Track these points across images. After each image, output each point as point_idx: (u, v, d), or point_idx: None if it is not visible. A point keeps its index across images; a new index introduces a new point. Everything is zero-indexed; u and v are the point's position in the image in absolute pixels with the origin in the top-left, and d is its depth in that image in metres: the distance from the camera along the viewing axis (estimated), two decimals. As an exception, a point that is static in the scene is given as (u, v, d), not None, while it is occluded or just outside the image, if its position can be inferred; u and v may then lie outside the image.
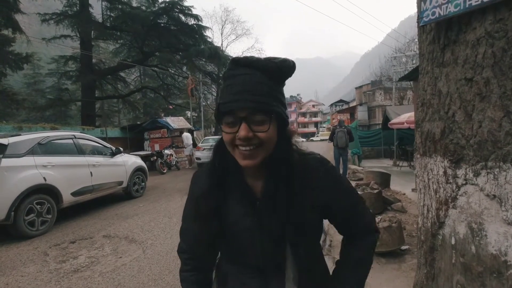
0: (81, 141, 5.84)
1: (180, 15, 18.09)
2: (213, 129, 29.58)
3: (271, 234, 0.73)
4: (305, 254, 0.76)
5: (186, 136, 13.77)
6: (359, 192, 4.88)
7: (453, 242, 1.22)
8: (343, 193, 0.82)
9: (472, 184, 1.13)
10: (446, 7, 1.16)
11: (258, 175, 0.76)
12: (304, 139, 48.08)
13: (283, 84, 0.75)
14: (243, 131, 0.65)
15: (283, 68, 0.70)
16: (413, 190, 6.32)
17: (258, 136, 0.67)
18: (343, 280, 0.83)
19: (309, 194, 0.75)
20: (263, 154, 0.69)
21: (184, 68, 21.19)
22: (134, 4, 18.17)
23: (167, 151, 12.35)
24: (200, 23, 18.64)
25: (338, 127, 8.29)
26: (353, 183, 6.46)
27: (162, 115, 24.67)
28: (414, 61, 21.29)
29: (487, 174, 1.08)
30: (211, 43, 20.26)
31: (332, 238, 3.51)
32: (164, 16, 17.84)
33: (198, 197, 0.80)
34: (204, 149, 12.58)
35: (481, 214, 1.10)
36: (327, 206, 0.79)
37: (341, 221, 0.86)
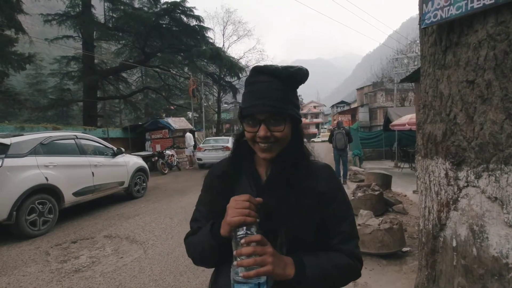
0: (83, 141, 5.86)
1: (182, 16, 18.12)
2: (214, 130, 29.60)
3: (269, 214, 0.77)
4: (291, 242, 0.78)
5: (189, 136, 13.82)
6: (360, 194, 4.86)
7: (454, 244, 1.22)
8: (340, 197, 0.87)
9: (474, 186, 1.13)
10: (448, 9, 1.16)
11: (267, 166, 0.87)
12: (305, 140, 47.87)
13: (296, 88, 0.86)
14: (262, 131, 0.78)
15: (298, 77, 0.82)
16: (414, 192, 6.31)
17: (275, 135, 0.79)
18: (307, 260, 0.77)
19: (311, 181, 0.83)
20: (279, 149, 0.82)
21: (186, 69, 21.21)
22: (136, 5, 18.22)
23: (168, 152, 12.37)
24: (201, 24, 18.70)
25: (336, 128, 8.28)
26: (354, 185, 6.47)
27: (164, 115, 24.73)
28: (415, 63, 21.27)
29: (489, 177, 1.08)
30: (212, 44, 20.30)
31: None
32: (166, 17, 17.88)
33: (217, 175, 0.91)
34: (206, 149, 12.59)
35: (483, 216, 1.10)
36: (325, 198, 0.84)
37: (330, 226, 0.84)
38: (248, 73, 0.89)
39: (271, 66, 0.81)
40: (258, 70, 0.82)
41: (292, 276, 0.71)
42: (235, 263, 0.67)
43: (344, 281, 0.83)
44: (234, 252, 0.67)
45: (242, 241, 0.67)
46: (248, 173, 0.88)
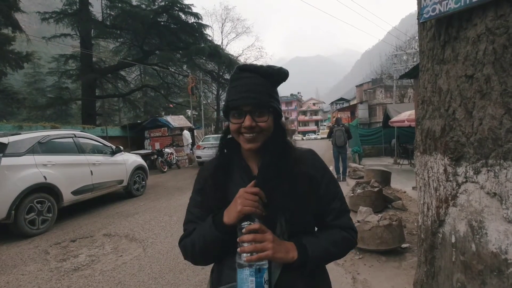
0: (82, 140, 5.84)
1: (180, 14, 18.02)
2: (213, 128, 29.58)
3: (265, 204, 0.81)
4: (291, 226, 0.84)
5: (187, 134, 13.80)
6: (359, 190, 4.87)
7: (453, 240, 1.22)
8: (328, 177, 0.95)
9: (473, 182, 1.12)
10: (447, 3, 1.15)
11: (256, 159, 0.91)
12: (304, 137, 48.08)
13: (277, 86, 0.93)
14: (247, 121, 0.83)
15: (280, 74, 0.90)
16: (413, 188, 6.32)
17: (259, 125, 0.84)
18: (309, 241, 0.85)
19: (300, 167, 0.89)
20: (262, 139, 0.87)
21: (185, 67, 21.13)
22: (134, 3, 18.10)
23: (167, 150, 12.36)
24: (200, 21, 18.59)
25: (336, 126, 8.28)
26: (354, 182, 6.47)
27: (163, 113, 24.66)
28: (415, 59, 21.24)
29: (488, 172, 1.07)
30: (211, 41, 20.23)
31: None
32: (164, 14, 17.79)
33: (208, 175, 0.94)
34: (205, 147, 12.58)
35: (482, 212, 1.09)
36: (315, 180, 0.91)
37: (323, 205, 0.92)
38: None
39: (255, 64, 0.89)
40: (242, 68, 0.88)
41: (296, 259, 0.79)
42: (238, 249, 0.74)
43: (343, 253, 0.93)
44: (238, 239, 0.75)
45: (243, 230, 0.75)
46: (239, 167, 0.92)
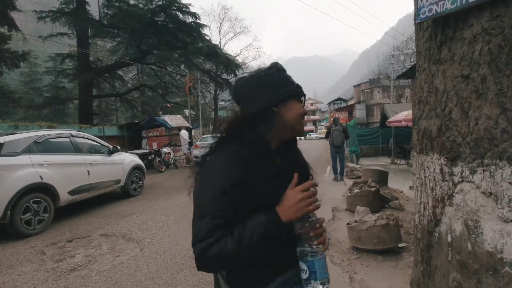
0: (78, 140, 5.81)
1: (178, 13, 17.95)
2: (211, 128, 29.52)
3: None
4: None
5: (184, 133, 13.78)
6: (356, 190, 4.89)
7: (449, 239, 1.22)
8: None
9: (468, 182, 1.13)
10: (443, 4, 1.15)
11: (276, 153, 0.95)
12: (302, 137, 48.20)
13: None
14: (306, 108, 0.98)
15: None
16: (410, 188, 6.34)
17: None
18: None
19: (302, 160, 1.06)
20: None
21: (182, 66, 21.06)
22: (132, 2, 18.01)
23: (165, 150, 12.31)
24: (198, 21, 18.52)
25: (333, 126, 8.32)
26: (351, 181, 6.49)
27: (160, 113, 24.59)
28: (412, 59, 21.34)
29: (483, 172, 1.07)
30: (209, 41, 20.17)
31: (330, 236, 3.52)
32: (162, 14, 17.71)
33: (247, 168, 0.83)
34: (202, 147, 12.56)
35: (477, 211, 1.10)
36: None
37: None
38: (244, 71, 0.97)
39: None
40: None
41: None
42: (315, 242, 0.83)
43: None
44: (312, 233, 0.83)
45: (318, 225, 0.85)
46: (266, 164, 0.88)
